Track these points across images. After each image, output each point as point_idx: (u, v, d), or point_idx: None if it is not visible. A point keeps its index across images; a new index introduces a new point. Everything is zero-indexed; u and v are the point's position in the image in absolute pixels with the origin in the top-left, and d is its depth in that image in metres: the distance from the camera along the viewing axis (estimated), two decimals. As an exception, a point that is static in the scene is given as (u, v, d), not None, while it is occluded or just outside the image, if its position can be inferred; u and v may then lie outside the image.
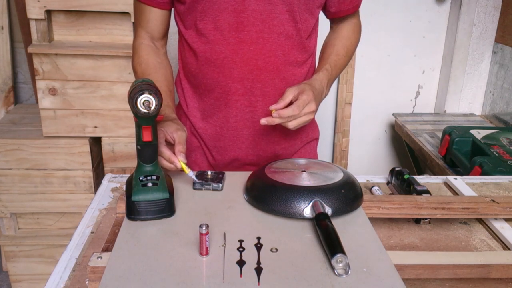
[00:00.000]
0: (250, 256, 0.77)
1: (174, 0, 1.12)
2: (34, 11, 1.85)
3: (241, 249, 0.78)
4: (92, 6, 1.88)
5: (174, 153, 0.94)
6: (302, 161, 1.03)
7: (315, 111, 1.03)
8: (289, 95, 1.00)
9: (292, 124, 1.00)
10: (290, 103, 1.00)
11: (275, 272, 0.73)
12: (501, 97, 2.34)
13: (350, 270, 0.72)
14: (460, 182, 1.13)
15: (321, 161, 1.05)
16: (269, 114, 1.00)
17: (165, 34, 1.20)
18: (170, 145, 0.97)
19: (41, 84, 1.92)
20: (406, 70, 2.58)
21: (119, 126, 2.02)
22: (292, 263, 0.75)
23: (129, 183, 0.90)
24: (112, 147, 2.05)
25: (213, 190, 0.98)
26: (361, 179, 1.12)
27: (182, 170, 0.94)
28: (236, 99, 1.14)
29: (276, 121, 0.98)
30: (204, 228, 0.75)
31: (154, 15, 1.15)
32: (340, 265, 0.72)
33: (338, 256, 0.72)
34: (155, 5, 1.13)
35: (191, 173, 0.95)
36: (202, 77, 1.15)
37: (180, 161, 0.93)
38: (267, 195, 0.90)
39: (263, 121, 0.98)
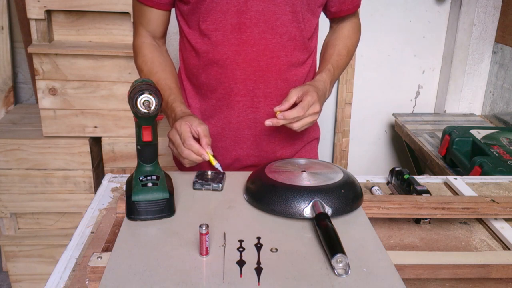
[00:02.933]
0: (250, 256, 0.77)
1: (177, 0, 1.12)
2: (34, 11, 1.85)
3: (241, 249, 0.78)
4: (92, 6, 1.88)
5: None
6: (302, 161, 1.03)
7: (319, 112, 1.03)
8: (293, 96, 1.00)
9: (297, 125, 1.00)
10: (294, 104, 1.00)
11: (275, 272, 0.73)
12: (501, 97, 2.34)
13: (350, 270, 0.72)
14: (460, 182, 1.13)
15: (321, 161, 1.05)
16: (271, 114, 1.00)
17: (165, 33, 1.20)
18: (194, 138, 0.98)
19: (41, 84, 1.92)
20: (406, 70, 2.58)
21: (119, 126, 2.02)
22: (292, 263, 0.75)
23: (129, 183, 0.90)
24: (112, 147, 2.05)
25: (213, 190, 0.98)
26: (361, 179, 1.12)
27: (209, 162, 0.97)
28: (239, 99, 1.14)
29: (281, 122, 0.98)
30: (204, 228, 0.75)
31: (155, 16, 1.14)
32: (340, 265, 0.72)
33: (338, 256, 0.72)
34: (156, 6, 1.13)
35: (217, 165, 0.98)
36: (205, 78, 1.15)
37: (208, 153, 0.96)
38: (267, 195, 0.90)
39: (268, 122, 0.98)
